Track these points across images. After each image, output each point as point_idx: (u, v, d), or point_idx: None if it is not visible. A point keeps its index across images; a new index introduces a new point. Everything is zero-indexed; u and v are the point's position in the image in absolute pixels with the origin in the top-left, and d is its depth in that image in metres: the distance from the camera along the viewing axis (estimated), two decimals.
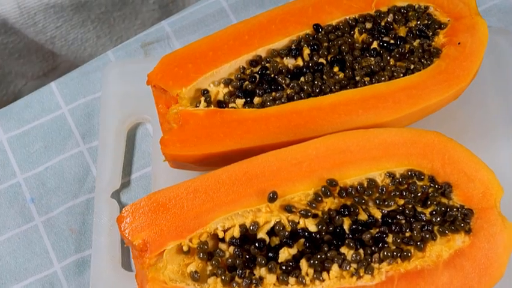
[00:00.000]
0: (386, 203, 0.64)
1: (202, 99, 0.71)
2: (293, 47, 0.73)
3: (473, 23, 0.72)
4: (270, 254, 0.62)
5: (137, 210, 0.63)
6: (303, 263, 0.62)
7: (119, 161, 0.79)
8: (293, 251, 0.63)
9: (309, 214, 0.63)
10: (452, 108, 0.74)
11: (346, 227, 0.63)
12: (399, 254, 0.62)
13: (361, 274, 0.61)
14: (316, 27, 0.73)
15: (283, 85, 0.71)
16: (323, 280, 0.61)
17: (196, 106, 0.71)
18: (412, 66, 0.71)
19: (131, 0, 1.06)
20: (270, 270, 0.62)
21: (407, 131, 0.65)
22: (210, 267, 0.63)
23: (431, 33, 0.73)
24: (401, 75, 0.71)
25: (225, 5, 0.91)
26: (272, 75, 0.72)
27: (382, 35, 0.74)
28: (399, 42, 0.73)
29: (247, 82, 0.72)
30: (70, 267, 0.76)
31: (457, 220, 0.63)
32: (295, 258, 0.63)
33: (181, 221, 0.62)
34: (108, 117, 0.81)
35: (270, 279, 0.62)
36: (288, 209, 0.63)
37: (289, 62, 0.73)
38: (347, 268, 0.62)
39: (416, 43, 0.73)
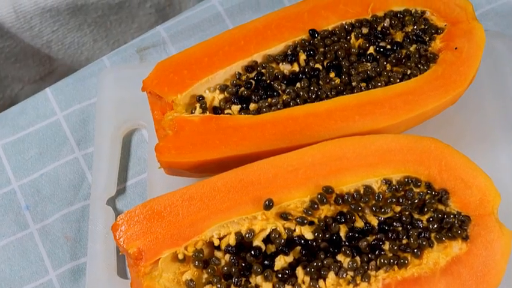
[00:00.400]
0: (383, 210, 0.63)
1: (198, 105, 0.70)
2: (289, 52, 0.73)
3: (470, 28, 0.72)
4: (266, 262, 0.62)
5: (132, 218, 0.63)
6: (299, 271, 0.62)
7: (115, 168, 0.79)
8: (289, 258, 0.62)
9: (305, 221, 0.63)
10: (450, 113, 0.74)
11: (342, 234, 0.63)
12: (396, 262, 0.62)
13: (358, 282, 0.61)
14: (312, 32, 0.73)
15: (279, 91, 0.71)
16: None
17: (192, 112, 0.71)
18: (409, 72, 0.71)
19: (128, 4, 1.06)
20: (266, 278, 0.61)
21: (404, 138, 0.65)
22: (205, 276, 0.62)
23: (427, 38, 0.73)
24: (398, 80, 0.70)
25: (221, 10, 0.91)
26: (268, 81, 0.72)
27: (378, 40, 0.73)
28: (395, 47, 0.73)
29: (242, 88, 0.71)
30: (65, 275, 0.76)
31: (454, 227, 0.62)
32: (292, 266, 0.62)
33: (176, 228, 0.62)
34: (103, 123, 0.81)
35: (266, 287, 0.61)
36: (284, 216, 0.63)
37: (285, 67, 0.72)
38: (344, 276, 0.61)
39: (412, 48, 0.72)
